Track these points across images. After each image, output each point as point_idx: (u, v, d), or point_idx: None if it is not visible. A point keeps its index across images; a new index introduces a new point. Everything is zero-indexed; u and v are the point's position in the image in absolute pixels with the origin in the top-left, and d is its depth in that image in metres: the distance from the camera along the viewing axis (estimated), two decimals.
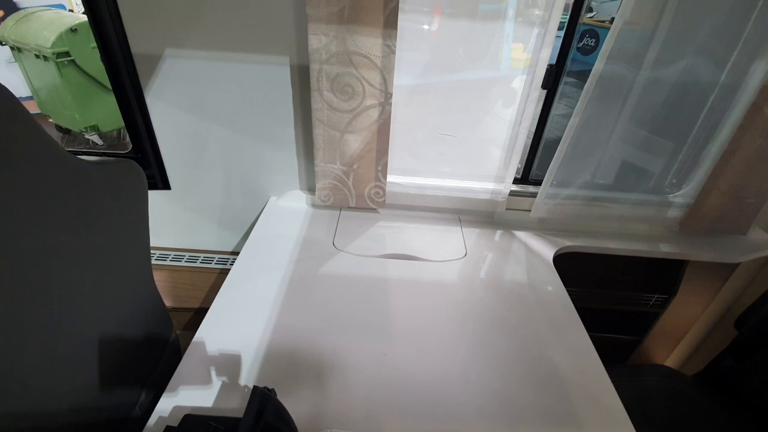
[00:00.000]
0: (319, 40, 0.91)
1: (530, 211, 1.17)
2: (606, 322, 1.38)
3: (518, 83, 1.03)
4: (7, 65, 4.04)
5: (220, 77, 1.02)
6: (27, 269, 0.46)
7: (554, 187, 1.12)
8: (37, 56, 3.60)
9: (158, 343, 0.81)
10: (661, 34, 0.95)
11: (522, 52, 1.00)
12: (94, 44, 3.86)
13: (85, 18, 4.12)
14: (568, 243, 1.13)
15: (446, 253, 1.06)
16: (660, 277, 1.31)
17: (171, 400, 0.64)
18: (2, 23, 3.84)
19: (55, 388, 0.51)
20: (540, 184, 1.13)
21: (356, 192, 1.13)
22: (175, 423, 0.58)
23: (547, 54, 0.94)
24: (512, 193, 1.18)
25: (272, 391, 0.54)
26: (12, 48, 3.77)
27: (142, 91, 1.03)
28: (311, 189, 1.21)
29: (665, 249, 1.14)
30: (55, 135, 3.95)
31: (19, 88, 4.00)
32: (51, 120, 3.92)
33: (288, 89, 1.03)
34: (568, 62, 1.02)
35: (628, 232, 1.19)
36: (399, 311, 0.87)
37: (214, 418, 0.55)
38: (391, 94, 0.97)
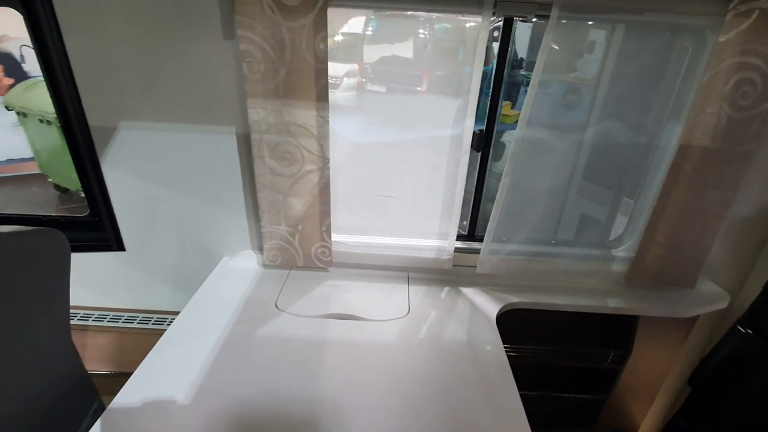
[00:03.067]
0: (258, 113, 0.98)
1: (476, 267, 1.18)
2: (567, 382, 1.34)
3: (448, 145, 1.09)
4: (13, 129, 4.24)
5: (171, 145, 1.08)
6: None
7: (496, 243, 1.14)
8: (41, 121, 3.79)
9: (77, 413, 0.80)
10: (578, 100, 1.02)
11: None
12: None
13: None
14: (514, 299, 1.13)
15: (389, 312, 1.06)
16: (614, 332, 1.29)
17: None
18: (11, 90, 4.10)
19: None
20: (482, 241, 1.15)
21: (303, 252, 1.16)
22: None
23: (471, 122, 1.00)
24: (458, 250, 1.20)
25: None
26: (18, 113, 3.99)
27: (98, 159, 1.09)
28: (261, 249, 1.24)
29: (613, 304, 1.14)
30: (53, 193, 4.07)
31: (22, 150, 4.18)
32: (50, 179, 4.06)
33: (235, 156, 1.09)
34: (496, 127, 1.09)
35: (576, 287, 1.19)
36: (333, 372, 0.86)
37: None
38: (329, 159, 1.03)
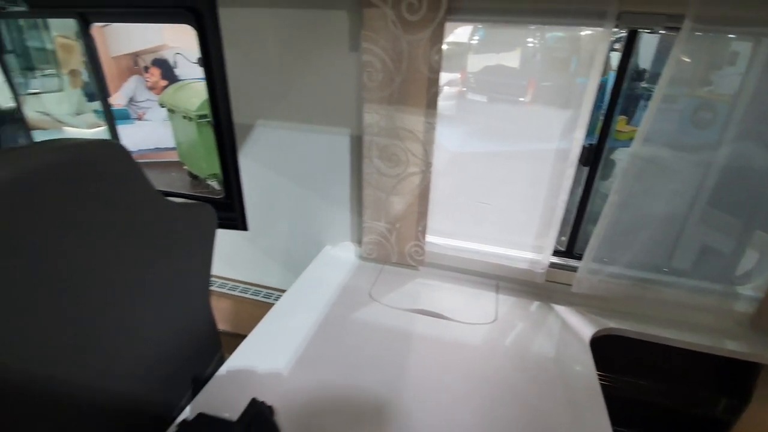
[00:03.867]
0: (372, 117, 1.08)
1: (572, 285, 1.14)
2: (667, 425, 1.21)
3: (552, 158, 1.07)
4: (163, 123, 5.05)
5: (295, 142, 1.24)
6: (113, 283, 0.64)
7: (597, 263, 1.09)
8: (184, 117, 4.47)
9: (206, 357, 0.96)
10: (711, 118, 0.94)
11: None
12: None
13: None
14: (612, 324, 1.07)
15: (475, 316, 1.08)
16: (729, 378, 1.14)
17: (197, 405, 0.77)
18: (165, 91, 4.92)
19: (119, 377, 0.67)
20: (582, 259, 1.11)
21: (398, 249, 1.23)
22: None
23: (581, 135, 0.98)
24: (553, 266, 1.17)
25: (270, 408, 0.63)
26: (168, 110, 4.76)
27: (236, 150, 1.30)
28: (359, 242, 1.34)
29: (732, 347, 1.01)
30: (187, 179, 4.75)
31: (167, 140, 4.95)
32: (185, 167, 4.76)
33: (346, 155, 1.21)
34: (608, 143, 1.04)
35: (688, 321, 1.08)
36: (416, 365, 0.91)
37: (219, 419, 0.66)
38: (431, 164, 1.09)
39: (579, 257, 1.18)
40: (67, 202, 0.56)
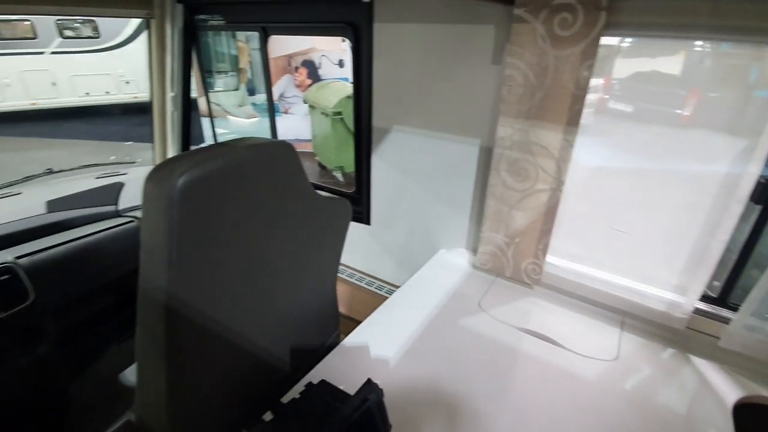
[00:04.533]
0: (506, 130, 1.08)
1: (719, 338, 0.98)
2: None
3: (713, 187, 0.94)
4: (304, 117, 5.65)
5: (424, 148, 1.31)
6: (272, 258, 0.78)
7: (757, 318, 0.92)
8: (322, 113, 4.95)
9: (325, 333, 1.09)
10: None
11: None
12: None
13: None
14: (765, 393, 0.90)
15: (592, 349, 1.01)
16: None
17: (318, 373, 0.89)
18: (309, 89, 5.51)
19: (262, 337, 0.81)
20: (737, 310, 0.95)
21: (513, 264, 1.21)
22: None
23: (759, 167, 0.84)
24: (699, 312, 1.03)
25: (381, 391, 0.70)
26: (309, 106, 5.31)
27: (371, 151, 1.42)
28: (474, 250, 1.35)
29: None
30: (317, 169, 5.25)
31: (305, 133, 5.54)
32: (317, 158, 5.28)
33: (473, 165, 1.23)
34: None
35: None
36: (520, 385, 0.90)
37: (338, 390, 0.75)
38: (563, 182, 1.05)
39: (734, 308, 1.02)
40: (253, 189, 0.70)
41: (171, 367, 0.67)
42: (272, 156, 0.74)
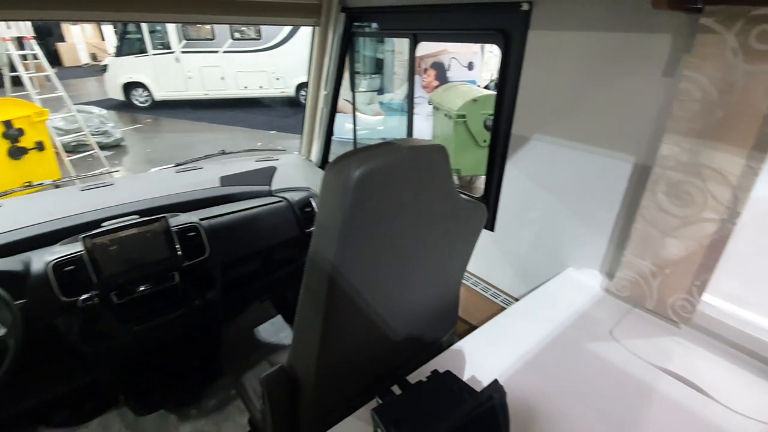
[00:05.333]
0: (671, 149, 0.99)
1: None
2: None
3: None
4: (426, 118, 5.78)
5: (566, 160, 1.26)
6: (415, 251, 0.85)
7: None
8: (446, 115, 5.00)
9: (443, 328, 1.14)
10: None
11: None
12: (483, 111, 4.94)
13: (484, 92, 5.41)
14: None
15: (750, 407, 0.87)
16: None
17: (438, 364, 0.94)
18: (435, 90, 5.61)
19: (386, 321, 0.89)
20: None
21: (658, 296, 1.10)
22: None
23: None
24: None
25: (506, 393, 0.72)
26: (434, 107, 5.40)
27: (506, 157, 1.41)
28: (609, 274, 1.25)
29: None
30: None
31: (426, 134, 5.67)
32: None
33: (622, 183, 1.15)
34: None
35: None
36: (650, 430, 0.83)
37: (464, 383, 0.79)
38: (739, 214, 0.92)
39: None
40: (410, 186, 0.78)
41: (325, 328, 0.78)
42: (429, 157, 0.80)
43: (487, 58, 7.16)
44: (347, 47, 1.95)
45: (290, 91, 9.15)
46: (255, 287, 1.93)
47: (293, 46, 8.70)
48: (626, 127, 1.11)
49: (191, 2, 1.57)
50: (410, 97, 1.80)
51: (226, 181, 2.00)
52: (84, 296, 1.31)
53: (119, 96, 8.75)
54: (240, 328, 2.20)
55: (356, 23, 1.87)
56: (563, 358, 0.99)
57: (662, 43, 0.99)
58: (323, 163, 2.32)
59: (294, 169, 2.23)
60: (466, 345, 1.03)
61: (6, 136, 4.25)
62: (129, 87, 8.70)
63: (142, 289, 1.46)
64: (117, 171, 5.60)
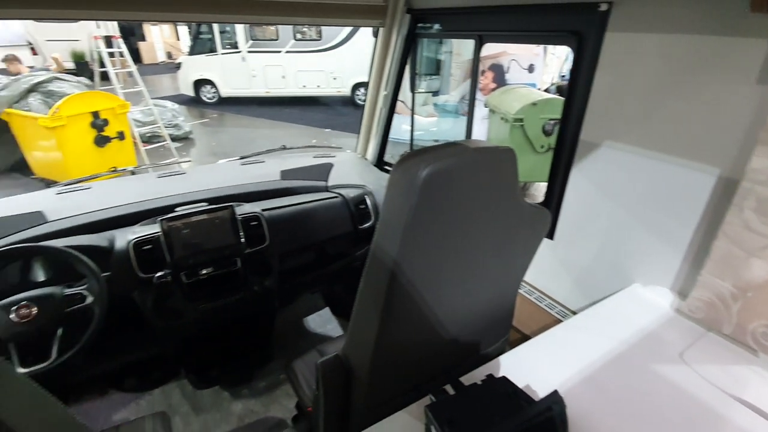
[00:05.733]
0: (763, 162, 0.90)
1: None
2: None
3: None
4: (480, 121, 5.67)
5: (638, 169, 1.19)
6: (476, 254, 0.85)
7: None
8: (502, 118, 4.88)
9: (496, 335, 1.12)
10: None
11: None
12: (543, 116, 4.77)
13: (545, 95, 5.21)
14: None
15: None
16: None
17: (490, 369, 0.92)
18: (492, 93, 5.48)
19: (441, 321, 0.89)
20: None
21: (737, 320, 1.01)
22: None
23: None
24: None
25: (565, 406, 0.70)
26: (490, 110, 5.29)
27: (571, 164, 1.36)
28: (681, 293, 1.17)
29: None
30: None
31: (481, 136, 5.57)
32: None
33: (703, 196, 1.07)
34: None
35: None
36: None
37: (520, 390, 0.78)
38: None
39: None
40: (475, 187, 0.77)
41: (382, 322, 0.80)
42: (497, 159, 0.80)
43: (549, 60, 6.89)
44: (410, 48, 1.96)
45: (346, 91, 9.36)
46: (307, 279, 2.00)
47: (351, 47, 8.89)
48: (711, 137, 1.03)
49: (262, 4, 1.66)
50: (471, 98, 1.79)
51: (286, 175, 2.09)
52: (159, 274, 1.43)
53: (190, 92, 9.39)
54: (290, 316, 2.29)
55: (420, 24, 1.88)
56: (627, 378, 0.94)
57: (759, 48, 0.91)
58: (379, 161, 2.36)
59: (350, 167, 2.29)
60: (521, 353, 1.00)
61: (93, 125, 4.71)
62: (199, 84, 9.32)
63: (206, 271, 1.57)
64: (186, 161, 6.02)
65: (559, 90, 6.59)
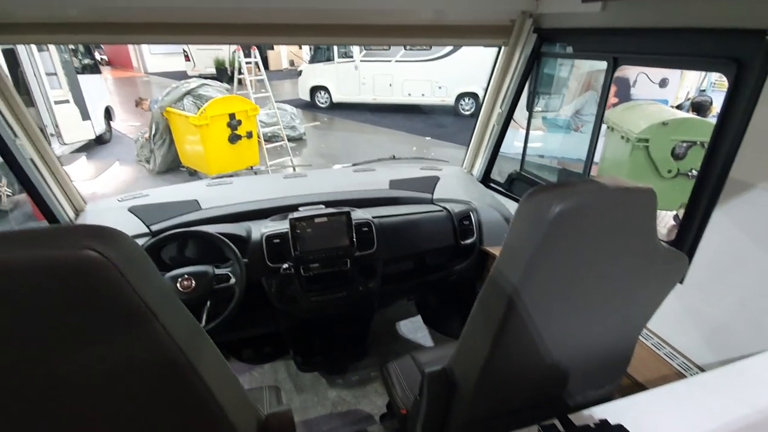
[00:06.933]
0: None
1: None
2: None
3: None
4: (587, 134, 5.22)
5: None
6: (593, 292, 0.82)
7: None
8: (622, 137, 4.46)
9: (608, 378, 1.06)
10: None
11: None
12: (674, 137, 4.27)
13: (678, 114, 4.64)
14: None
15: None
16: None
17: (603, 413, 0.89)
18: (613, 109, 5.04)
19: (552, 354, 0.87)
20: None
21: None
22: None
23: None
24: None
25: None
26: (608, 127, 4.87)
27: (716, 201, 1.22)
28: None
29: None
30: None
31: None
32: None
33: None
34: None
35: None
36: None
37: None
38: None
39: None
40: (608, 227, 0.76)
41: (494, 345, 0.83)
42: (635, 201, 0.77)
43: (687, 73, 6.11)
44: (532, 67, 1.93)
45: (450, 101, 9.39)
46: (405, 286, 2.09)
47: (458, 57, 8.90)
48: None
49: (395, 29, 1.77)
50: (598, 122, 1.70)
51: (394, 184, 2.20)
52: (285, 265, 1.63)
53: (306, 97, 10.30)
54: (385, 319, 2.41)
55: (547, 44, 1.84)
56: None
57: None
58: (485, 178, 2.35)
59: (455, 181, 2.32)
60: (638, 403, 0.94)
61: (229, 125, 5.45)
62: (314, 90, 10.17)
63: (320, 267, 1.74)
64: (297, 161, 6.62)
65: (695, 107, 5.81)
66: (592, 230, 0.75)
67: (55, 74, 6.12)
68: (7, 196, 4.70)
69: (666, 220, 4.62)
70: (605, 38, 1.59)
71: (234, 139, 5.50)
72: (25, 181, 1.64)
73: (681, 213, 4.67)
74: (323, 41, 1.79)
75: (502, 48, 1.98)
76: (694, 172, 4.02)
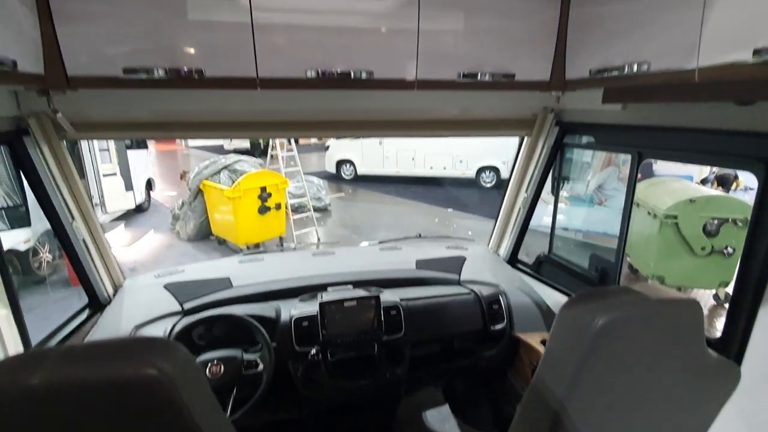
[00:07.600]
0: None
1: None
2: None
3: None
4: (617, 211, 5.20)
5: None
6: (637, 406, 0.78)
7: None
8: (649, 213, 4.40)
9: None
10: None
11: None
12: (703, 214, 4.18)
13: (704, 191, 4.61)
14: None
15: None
16: None
17: None
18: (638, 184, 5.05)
19: None
20: None
21: None
22: None
23: None
24: None
25: None
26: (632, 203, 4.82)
27: (759, 304, 1.17)
28: None
29: None
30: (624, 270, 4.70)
31: (615, 227, 5.08)
32: (627, 258, 4.71)
33: None
34: None
35: None
36: None
37: None
38: None
39: None
40: (651, 338, 0.75)
41: None
42: (679, 312, 0.76)
43: None
44: (555, 157, 2.01)
45: (471, 174, 9.66)
46: (432, 372, 2.01)
47: None
48: None
49: (423, 123, 1.91)
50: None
51: (421, 264, 2.21)
52: (312, 351, 1.61)
53: (332, 170, 10.82)
54: (411, 407, 2.28)
55: (570, 135, 1.93)
56: None
57: None
58: (512, 259, 2.35)
59: (482, 262, 2.32)
60: None
61: (260, 197, 5.72)
62: (340, 163, 10.69)
63: (344, 349, 1.71)
64: (321, 230, 6.77)
65: (720, 181, 5.77)
66: (636, 343, 0.74)
67: (107, 150, 6.70)
68: (47, 262, 4.93)
69: (705, 299, 4.38)
70: (629, 133, 1.65)
71: (263, 210, 5.74)
72: (74, 259, 1.74)
73: (721, 292, 4.43)
74: (359, 134, 1.93)
75: (526, 137, 2.08)
76: (730, 250, 3.89)
